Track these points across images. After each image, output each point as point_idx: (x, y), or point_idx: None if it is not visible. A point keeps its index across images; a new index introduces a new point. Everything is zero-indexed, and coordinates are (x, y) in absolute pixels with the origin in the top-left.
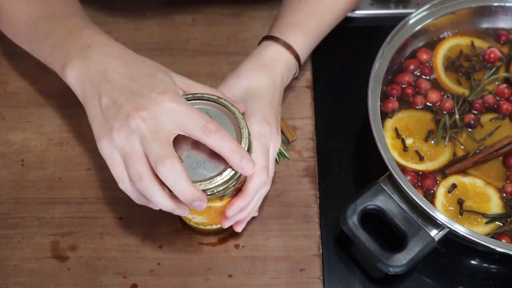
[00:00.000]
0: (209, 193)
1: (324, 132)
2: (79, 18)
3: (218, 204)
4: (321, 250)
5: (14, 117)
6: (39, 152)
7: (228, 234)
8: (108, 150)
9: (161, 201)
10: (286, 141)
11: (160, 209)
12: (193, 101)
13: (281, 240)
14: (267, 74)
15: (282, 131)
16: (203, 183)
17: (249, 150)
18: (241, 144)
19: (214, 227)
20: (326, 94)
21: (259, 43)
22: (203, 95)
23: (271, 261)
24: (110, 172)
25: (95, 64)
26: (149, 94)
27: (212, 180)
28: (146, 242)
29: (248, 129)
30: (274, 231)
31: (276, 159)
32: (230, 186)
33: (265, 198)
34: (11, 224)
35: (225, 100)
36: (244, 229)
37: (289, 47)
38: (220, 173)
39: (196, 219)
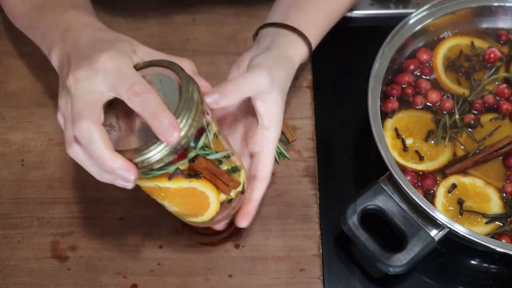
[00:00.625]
0: (140, 165)
1: (324, 132)
2: (68, 1)
3: (169, 185)
4: (321, 250)
5: (14, 117)
6: (39, 152)
7: (228, 234)
8: (58, 114)
9: (90, 169)
10: (286, 141)
11: (160, 209)
12: (146, 68)
13: (281, 240)
14: (286, 68)
15: (282, 131)
16: (129, 152)
17: (186, 117)
18: (177, 109)
19: (199, 220)
20: (326, 94)
21: (270, 24)
22: (157, 61)
23: (271, 261)
24: None
25: (69, 45)
26: (92, 55)
27: (138, 150)
28: (146, 242)
29: (193, 95)
30: (274, 231)
31: (276, 159)
32: (166, 161)
33: (265, 198)
34: (11, 224)
35: (177, 65)
36: (244, 229)
37: (306, 40)
38: (148, 144)
39: (170, 208)
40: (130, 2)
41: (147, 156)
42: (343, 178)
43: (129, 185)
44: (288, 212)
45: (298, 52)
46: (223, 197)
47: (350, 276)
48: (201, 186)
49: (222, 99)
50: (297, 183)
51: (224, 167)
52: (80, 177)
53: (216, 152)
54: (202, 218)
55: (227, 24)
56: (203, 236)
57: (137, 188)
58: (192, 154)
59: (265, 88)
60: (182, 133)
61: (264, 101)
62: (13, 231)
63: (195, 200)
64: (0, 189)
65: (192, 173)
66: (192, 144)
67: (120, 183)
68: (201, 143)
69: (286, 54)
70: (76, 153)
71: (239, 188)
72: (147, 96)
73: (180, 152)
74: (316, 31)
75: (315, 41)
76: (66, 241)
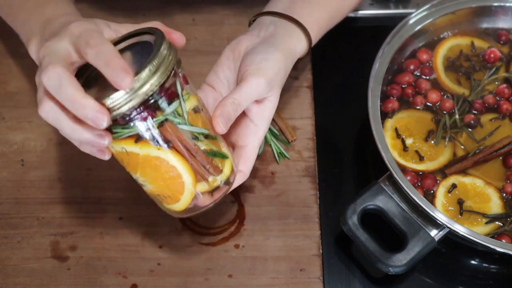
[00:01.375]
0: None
1: (324, 132)
2: None
3: (136, 150)
4: (321, 250)
5: (14, 117)
6: (39, 152)
7: (228, 234)
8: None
9: (62, 125)
10: (286, 141)
11: (160, 209)
12: (126, 40)
13: (281, 240)
14: (285, 64)
15: (282, 131)
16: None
17: (151, 69)
18: (147, 66)
19: (175, 207)
20: (326, 94)
21: (272, 12)
22: (133, 31)
23: (271, 261)
24: (110, 172)
25: (47, 35)
26: (62, 30)
27: (103, 97)
28: (146, 242)
29: (163, 50)
30: (274, 231)
31: (276, 159)
32: (130, 114)
33: (265, 198)
34: (11, 224)
35: (150, 27)
36: (244, 229)
37: (308, 36)
38: (111, 92)
39: (145, 186)
40: (130, 2)
41: (110, 103)
42: (343, 178)
43: (106, 142)
44: (288, 212)
45: (300, 47)
46: (204, 186)
47: (350, 276)
48: (173, 159)
49: (228, 123)
50: (297, 183)
51: (202, 146)
52: (80, 177)
53: (191, 125)
54: (178, 205)
55: (227, 24)
56: (203, 236)
57: (137, 188)
58: (160, 117)
59: (263, 94)
60: (143, 83)
61: (260, 103)
62: (13, 231)
63: (167, 177)
64: (0, 189)
65: (165, 141)
66: (163, 106)
67: (95, 138)
68: (171, 108)
69: (288, 47)
70: (47, 110)
71: (221, 177)
72: (101, 47)
73: (145, 110)
74: (318, 29)
75: (315, 38)
76: (66, 241)
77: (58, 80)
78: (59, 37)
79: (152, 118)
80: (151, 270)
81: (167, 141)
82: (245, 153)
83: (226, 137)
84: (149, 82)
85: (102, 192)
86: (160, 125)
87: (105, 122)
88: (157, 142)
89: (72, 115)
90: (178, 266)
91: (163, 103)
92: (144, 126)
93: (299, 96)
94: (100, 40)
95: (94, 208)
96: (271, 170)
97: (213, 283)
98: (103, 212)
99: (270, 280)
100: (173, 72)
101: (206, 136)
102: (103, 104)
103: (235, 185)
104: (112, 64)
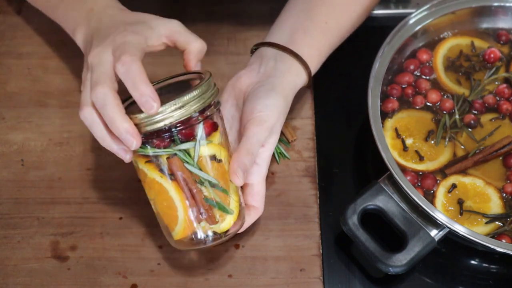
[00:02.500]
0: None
1: (324, 132)
2: None
3: (145, 169)
4: (321, 250)
5: (14, 117)
6: (39, 152)
7: None
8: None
9: (96, 132)
10: (286, 141)
11: None
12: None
13: (281, 240)
14: (286, 102)
15: (282, 131)
16: (134, 117)
17: (180, 102)
18: (183, 95)
19: (172, 237)
20: (326, 94)
21: (273, 44)
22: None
23: (271, 261)
24: (110, 172)
25: (92, 26)
26: (110, 36)
27: (137, 116)
28: (146, 242)
29: (201, 90)
30: (274, 231)
31: (276, 159)
32: (148, 133)
33: (265, 198)
34: (11, 224)
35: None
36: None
37: (307, 69)
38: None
39: (153, 206)
40: (130, 2)
41: (139, 120)
42: (343, 178)
43: (127, 157)
44: (288, 212)
45: (299, 80)
46: (199, 228)
47: (350, 276)
48: (172, 191)
49: (245, 174)
50: (297, 183)
51: (205, 192)
52: (80, 177)
53: (198, 169)
54: (174, 234)
55: (227, 24)
56: None
57: (137, 188)
58: (170, 149)
59: (264, 140)
60: (167, 112)
61: (262, 146)
62: (13, 231)
63: (166, 204)
64: (0, 189)
65: (170, 173)
66: (177, 140)
67: (119, 151)
68: (184, 146)
69: (288, 85)
70: (86, 116)
71: (216, 228)
72: (131, 65)
73: (160, 137)
74: (318, 58)
75: (315, 68)
76: (66, 241)
77: (103, 100)
78: (105, 46)
79: (164, 148)
80: (151, 270)
81: (171, 173)
82: (252, 190)
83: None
84: (170, 116)
85: (102, 192)
86: (169, 157)
87: (134, 145)
88: (162, 170)
89: (106, 125)
90: (178, 266)
91: (179, 137)
92: (154, 152)
93: (299, 96)
94: (132, 57)
95: (94, 208)
96: (271, 170)
97: (213, 283)
98: (103, 212)
99: (270, 280)
100: (205, 111)
101: (213, 185)
102: (134, 119)
103: (251, 221)
104: (140, 88)
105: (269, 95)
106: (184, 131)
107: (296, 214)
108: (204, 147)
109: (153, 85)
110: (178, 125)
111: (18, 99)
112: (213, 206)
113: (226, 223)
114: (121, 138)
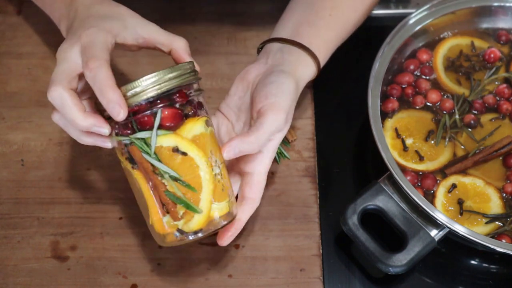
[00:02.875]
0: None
1: (324, 132)
2: None
3: (118, 155)
4: (321, 250)
5: (14, 117)
6: (39, 152)
7: None
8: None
9: (71, 133)
10: (286, 141)
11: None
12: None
13: (281, 240)
14: (296, 93)
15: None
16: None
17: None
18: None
19: (180, 224)
20: (326, 94)
21: (279, 39)
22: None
23: (271, 261)
24: (110, 172)
25: (71, 17)
26: (78, 31)
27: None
28: (146, 242)
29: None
30: (274, 231)
31: (276, 159)
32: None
33: (265, 198)
34: (11, 224)
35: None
36: (244, 229)
37: (316, 59)
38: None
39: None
40: (131, 3)
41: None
42: (343, 178)
43: (108, 144)
44: (288, 212)
45: (308, 72)
46: (164, 220)
47: (350, 276)
48: (138, 181)
49: (238, 155)
50: (297, 183)
51: (167, 185)
52: (80, 177)
53: (157, 160)
54: (150, 226)
55: (227, 24)
56: None
57: None
58: (125, 137)
59: (281, 128)
60: (135, 93)
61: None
62: (13, 231)
63: (138, 193)
64: (0, 189)
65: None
66: (135, 128)
67: (97, 142)
68: (140, 134)
69: (296, 74)
70: (57, 119)
71: (183, 226)
72: (98, 71)
73: (125, 125)
74: (326, 50)
75: (324, 60)
76: (66, 241)
77: (60, 101)
78: (72, 43)
79: (123, 135)
80: (151, 270)
81: (135, 162)
82: (252, 180)
83: (234, 163)
84: (145, 92)
85: (102, 192)
86: (130, 144)
87: (106, 131)
88: (128, 158)
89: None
90: (178, 266)
91: (137, 125)
92: (116, 139)
93: (299, 96)
94: (98, 62)
95: (94, 208)
96: (271, 170)
97: (213, 283)
98: (103, 212)
99: (270, 280)
100: (166, 98)
101: (175, 179)
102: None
103: (248, 214)
104: (107, 94)
105: (282, 79)
106: (142, 119)
107: (296, 214)
108: (163, 138)
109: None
110: (133, 112)
111: (18, 99)
112: (174, 201)
113: (195, 222)
114: (92, 130)
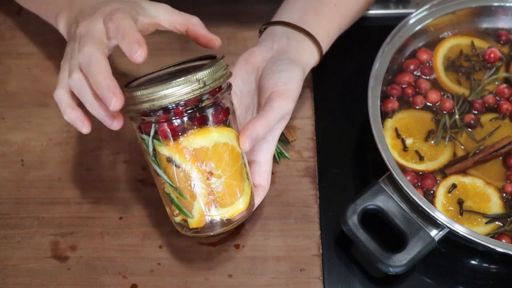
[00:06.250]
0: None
1: (324, 132)
2: None
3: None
4: (321, 250)
5: (14, 117)
6: (39, 152)
7: (228, 234)
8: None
9: (84, 97)
10: (286, 141)
11: (160, 209)
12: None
13: (281, 240)
14: (301, 79)
15: (282, 131)
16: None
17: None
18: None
19: (177, 219)
20: (326, 94)
21: (284, 23)
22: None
23: (271, 261)
24: (110, 172)
25: (76, 10)
26: (99, 10)
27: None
28: (146, 242)
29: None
30: (274, 231)
31: (276, 159)
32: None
33: (265, 198)
34: (11, 224)
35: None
36: (244, 229)
37: (319, 48)
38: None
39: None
40: None
41: (129, 94)
42: (343, 178)
43: (114, 124)
44: (288, 212)
45: (312, 59)
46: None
47: (350, 276)
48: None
49: (254, 143)
50: (297, 183)
51: (167, 186)
52: (80, 177)
53: (156, 164)
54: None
55: (227, 24)
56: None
57: (137, 188)
58: (139, 134)
59: (288, 114)
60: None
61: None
62: (13, 231)
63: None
64: (0, 189)
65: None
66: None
67: (105, 118)
68: (143, 136)
69: (302, 62)
70: (75, 80)
71: (178, 220)
72: (121, 22)
73: (140, 119)
74: (328, 40)
75: (325, 49)
76: (66, 241)
77: (89, 58)
78: (95, 17)
79: (140, 131)
80: (151, 270)
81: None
82: (259, 168)
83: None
84: (174, 93)
85: (102, 192)
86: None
87: (113, 103)
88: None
89: (94, 92)
90: (178, 266)
91: (151, 127)
92: (133, 124)
93: (299, 96)
94: (123, 16)
95: (94, 208)
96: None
97: (213, 283)
98: (103, 212)
99: (270, 280)
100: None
101: (169, 184)
102: (125, 92)
103: (259, 200)
104: (127, 38)
105: (291, 68)
106: (144, 122)
107: (296, 214)
108: (158, 147)
109: (163, 69)
110: (142, 116)
111: (18, 99)
112: (170, 200)
113: (189, 222)
114: (103, 96)
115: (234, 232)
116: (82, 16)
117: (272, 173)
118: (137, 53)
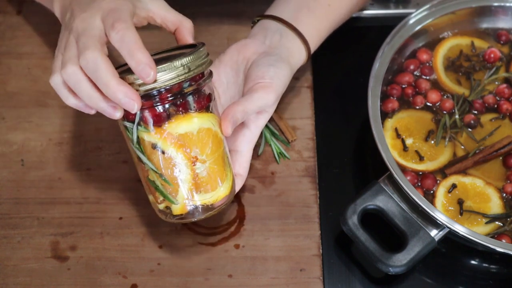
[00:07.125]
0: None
1: (324, 132)
2: None
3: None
4: (321, 250)
5: (14, 117)
6: (39, 152)
7: (228, 234)
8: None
9: (81, 91)
10: (286, 141)
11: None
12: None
13: (281, 240)
14: (288, 76)
15: (282, 131)
16: (129, 76)
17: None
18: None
19: (161, 206)
20: (326, 94)
21: (278, 18)
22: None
23: (271, 261)
24: (110, 172)
25: None
26: (96, 1)
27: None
28: (146, 242)
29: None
30: (274, 231)
31: (276, 159)
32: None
33: (265, 198)
34: (11, 224)
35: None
36: (244, 229)
37: (308, 49)
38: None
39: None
40: None
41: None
42: (343, 178)
43: (117, 114)
44: (288, 212)
45: (300, 60)
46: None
47: (350, 276)
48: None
49: (234, 127)
50: (297, 183)
51: (150, 172)
52: (80, 177)
53: (140, 151)
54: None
55: (227, 24)
56: (203, 236)
57: (137, 188)
58: (123, 121)
59: (269, 107)
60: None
61: (259, 112)
62: (13, 231)
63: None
64: (0, 189)
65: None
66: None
67: (108, 109)
68: (126, 123)
69: (291, 62)
70: (70, 73)
71: (161, 207)
72: (125, 32)
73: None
74: (318, 39)
75: (314, 48)
76: (66, 241)
77: (94, 63)
78: (92, 11)
79: (123, 118)
80: (151, 270)
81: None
82: (241, 158)
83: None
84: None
85: (102, 192)
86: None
87: (136, 107)
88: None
89: (92, 83)
90: (178, 266)
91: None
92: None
93: (299, 96)
94: (126, 24)
95: (94, 208)
96: (271, 170)
97: (213, 283)
98: (103, 212)
99: (270, 280)
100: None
101: (153, 170)
102: (127, 79)
103: (237, 188)
104: (136, 57)
105: (280, 64)
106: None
107: (296, 214)
108: (143, 133)
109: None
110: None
111: (18, 99)
112: (154, 187)
113: (173, 209)
114: (122, 103)
115: (234, 232)
116: (77, 6)
117: (272, 173)
118: (150, 77)
